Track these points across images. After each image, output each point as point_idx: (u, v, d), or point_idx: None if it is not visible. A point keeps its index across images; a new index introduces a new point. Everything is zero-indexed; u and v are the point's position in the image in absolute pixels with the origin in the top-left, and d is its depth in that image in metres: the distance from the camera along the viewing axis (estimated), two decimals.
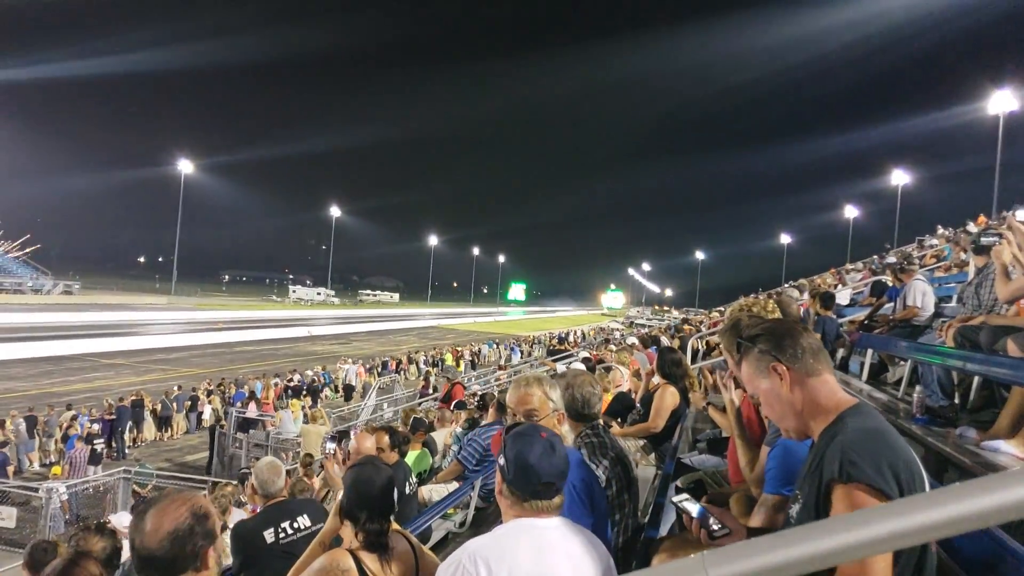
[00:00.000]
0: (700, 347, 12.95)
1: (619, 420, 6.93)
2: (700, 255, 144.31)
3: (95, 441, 18.14)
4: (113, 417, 21.12)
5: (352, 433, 7.23)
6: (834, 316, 8.14)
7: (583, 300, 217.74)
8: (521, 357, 42.70)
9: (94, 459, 18.08)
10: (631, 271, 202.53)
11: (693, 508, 2.35)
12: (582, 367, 9.56)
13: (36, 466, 19.19)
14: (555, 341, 43.82)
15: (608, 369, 9.87)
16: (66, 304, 73.30)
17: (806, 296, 9.00)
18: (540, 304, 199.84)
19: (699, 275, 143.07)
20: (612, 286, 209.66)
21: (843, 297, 11.69)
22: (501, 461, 2.41)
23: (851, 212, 75.59)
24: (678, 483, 4.25)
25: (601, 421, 3.84)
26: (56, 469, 16.96)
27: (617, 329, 47.01)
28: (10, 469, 17.55)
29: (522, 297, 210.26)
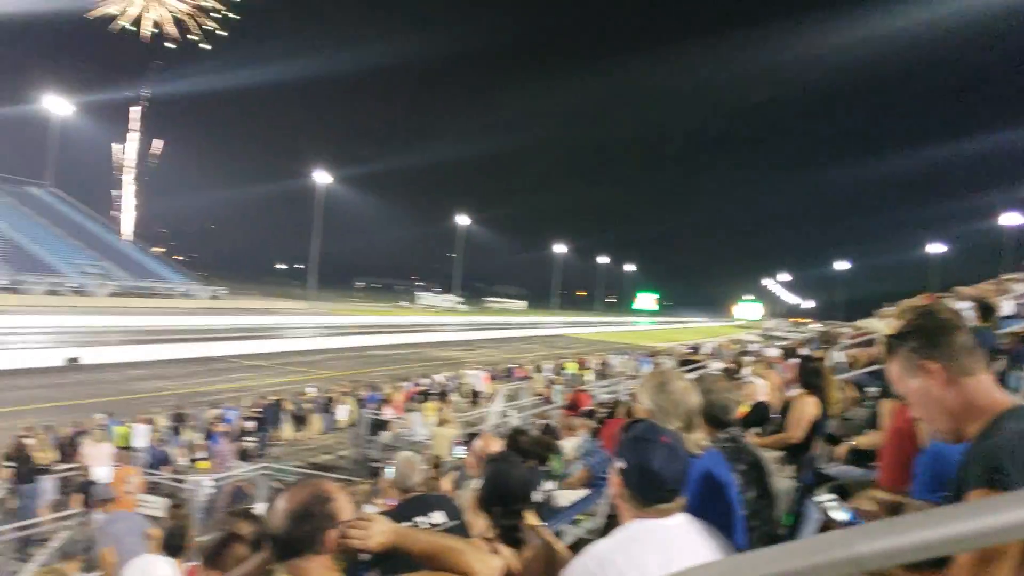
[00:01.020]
0: (843, 360, 12.47)
1: (756, 431, 6.76)
2: (841, 265, 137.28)
3: (243, 438, 19.03)
4: (260, 415, 22.07)
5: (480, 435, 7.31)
6: (993, 328, 7.67)
7: (716, 311, 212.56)
8: (651, 368, 42.16)
9: (241, 455, 18.98)
10: (767, 281, 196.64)
11: (841, 513, 2.26)
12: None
13: (184, 461, 20.28)
14: (687, 352, 43.03)
15: (744, 380, 9.65)
16: (213, 308, 77.31)
17: (965, 306, 8.47)
18: (670, 314, 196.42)
19: (840, 286, 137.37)
20: (747, 296, 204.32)
21: (1006, 308, 10.97)
22: (620, 465, 2.35)
23: (1011, 219, 71.11)
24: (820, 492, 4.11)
25: (738, 429, 3.76)
26: (202, 464, 17.89)
27: (753, 341, 45.70)
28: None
29: (651, 307, 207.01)
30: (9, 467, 14.69)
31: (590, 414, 13.07)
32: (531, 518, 3.05)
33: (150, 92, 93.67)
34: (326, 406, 26.08)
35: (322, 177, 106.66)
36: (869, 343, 10.15)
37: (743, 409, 7.33)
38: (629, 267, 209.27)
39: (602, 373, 40.84)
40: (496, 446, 5.31)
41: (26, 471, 14.43)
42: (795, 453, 5.90)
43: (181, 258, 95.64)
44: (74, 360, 32.90)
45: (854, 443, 5.71)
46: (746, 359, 17.72)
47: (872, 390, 6.93)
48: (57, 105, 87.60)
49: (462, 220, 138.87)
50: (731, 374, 12.06)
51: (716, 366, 15.94)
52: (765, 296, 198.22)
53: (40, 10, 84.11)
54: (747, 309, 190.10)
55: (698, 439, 3.12)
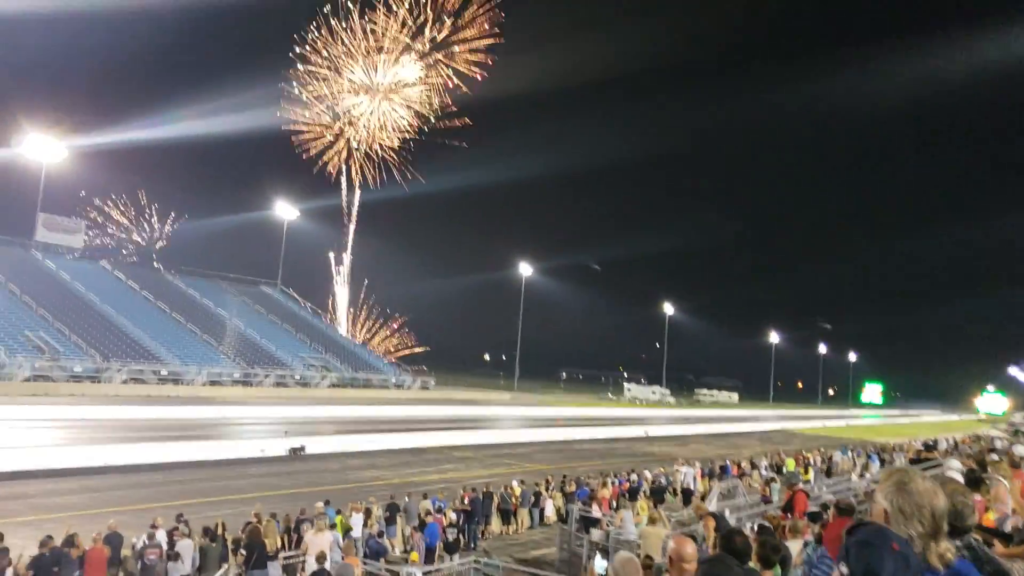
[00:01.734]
0: None
1: (1002, 540, 5.91)
2: None
3: (450, 530, 19.28)
4: (467, 508, 22.32)
5: (672, 537, 6.88)
6: None
7: (953, 403, 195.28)
8: (881, 466, 39.03)
9: (450, 548, 19.16)
10: (1014, 371, 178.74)
11: None
12: (957, 477, 8.44)
13: (397, 551, 20.65)
14: (920, 449, 39.52)
15: (988, 482, 8.60)
16: (423, 399, 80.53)
17: None
18: (900, 407, 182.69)
19: None
20: (990, 387, 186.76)
21: None
22: (844, 572, 2.14)
23: None
24: None
25: (978, 536, 3.32)
26: (414, 555, 18.18)
27: (999, 437, 41.46)
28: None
29: (878, 399, 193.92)
30: (242, 553, 15.59)
31: (814, 516, 12.12)
32: None
33: (363, 196, 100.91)
34: (534, 500, 25.96)
35: (526, 269, 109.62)
36: None
37: (988, 517, 6.48)
38: (852, 356, 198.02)
39: (825, 471, 38.28)
40: (689, 548, 4.98)
41: (257, 557, 15.21)
42: None
43: (393, 350, 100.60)
44: (298, 450, 34.93)
45: None
46: (991, 457, 15.95)
47: None
48: (285, 211, 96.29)
49: (668, 309, 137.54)
50: (973, 474, 10.82)
51: (954, 465, 14.42)
52: (1012, 387, 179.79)
53: (266, 128, 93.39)
54: (990, 401, 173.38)
55: (943, 550, 2.70)
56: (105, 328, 66.28)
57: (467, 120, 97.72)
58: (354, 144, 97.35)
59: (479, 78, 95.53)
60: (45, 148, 73.43)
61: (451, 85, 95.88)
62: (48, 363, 56.41)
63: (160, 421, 44.02)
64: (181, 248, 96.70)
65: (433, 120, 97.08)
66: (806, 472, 36.15)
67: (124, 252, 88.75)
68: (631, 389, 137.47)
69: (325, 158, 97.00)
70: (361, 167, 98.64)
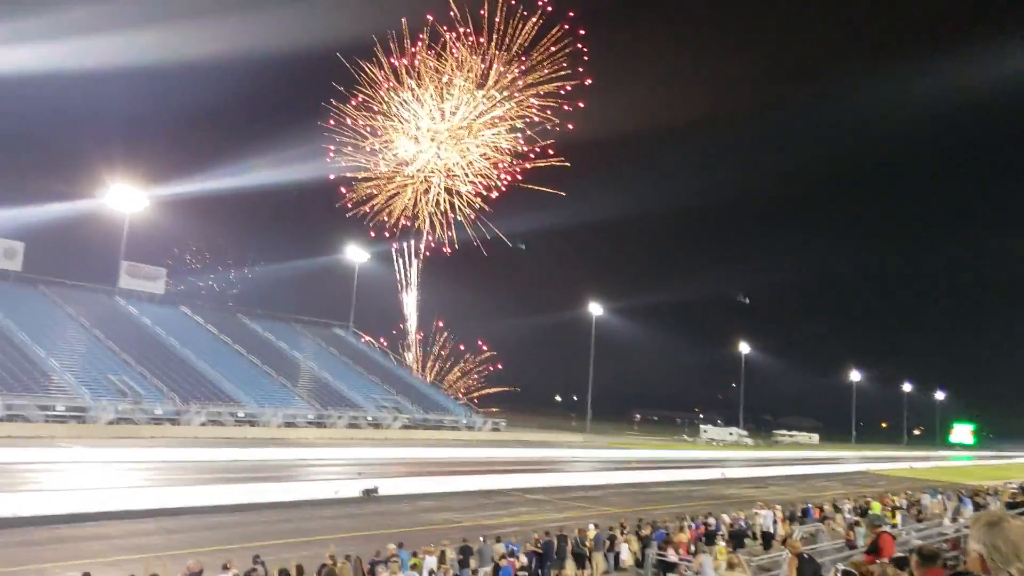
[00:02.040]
0: None
1: None
2: None
3: (522, 573, 18.88)
4: (540, 551, 21.91)
5: None
6: None
7: None
8: (975, 510, 37.20)
9: None
10: None
11: None
12: None
13: None
14: (1016, 491, 37.56)
15: None
16: (494, 440, 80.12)
17: None
18: (992, 448, 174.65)
19: None
20: None
21: None
22: None
23: None
24: None
25: None
26: None
27: None
28: None
29: (969, 440, 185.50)
30: None
31: (900, 562, 11.47)
32: None
33: (433, 238, 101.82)
34: (608, 544, 25.37)
35: (596, 308, 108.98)
36: None
37: None
38: (939, 395, 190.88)
39: (914, 515, 36.66)
40: None
41: None
42: None
43: (464, 391, 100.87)
44: (371, 491, 34.93)
45: None
46: None
47: None
48: (356, 254, 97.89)
49: (744, 348, 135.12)
50: None
51: None
52: None
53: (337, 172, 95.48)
54: None
55: None
56: (185, 371, 68.01)
57: (560, 160, 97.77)
58: (422, 188, 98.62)
59: (561, 118, 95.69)
60: (128, 198, 76.23)
61: (532, 122, 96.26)
62: (130, 406, 57.95)
63: (237, 462, 44.64)
64: (257, 291, 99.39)
65: (509, 161, 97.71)
66: (893, 516, 34.65)
67: (202, 297, 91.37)
68: (707, 431, 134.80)
69: (394, 204, 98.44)
70: (431, 213, 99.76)
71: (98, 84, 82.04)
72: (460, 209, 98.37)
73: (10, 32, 65.13)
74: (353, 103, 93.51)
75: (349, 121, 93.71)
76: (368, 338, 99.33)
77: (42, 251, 77.65)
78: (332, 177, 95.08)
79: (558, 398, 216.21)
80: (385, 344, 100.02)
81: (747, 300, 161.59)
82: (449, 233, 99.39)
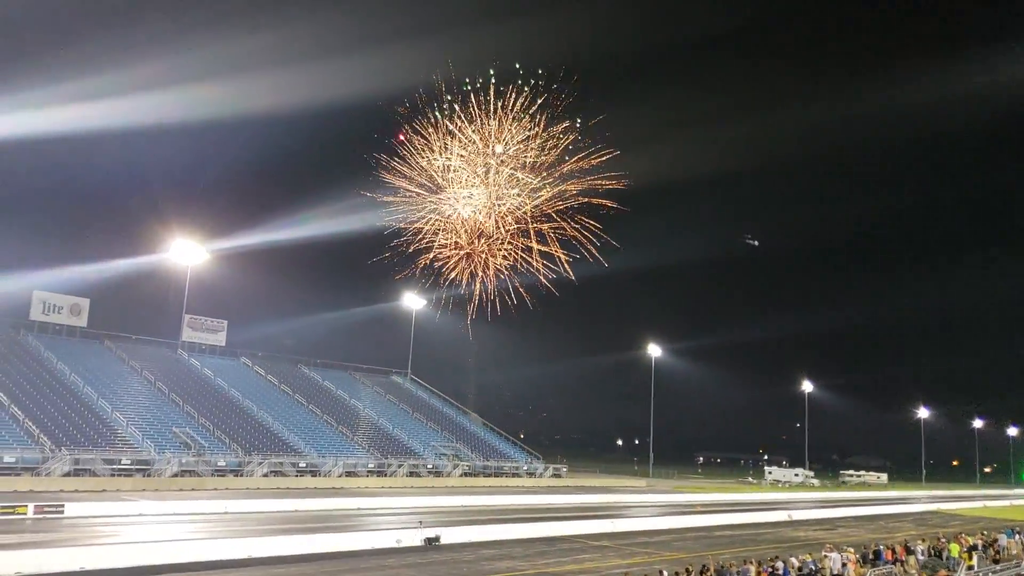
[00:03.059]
0: None
1: None
2: None
3: None
4: None
5: None
6: None
7: None
8: None
9: None
10: None
11: None
12: None
13: None
14: None
15: None
16: (555, 487, 79.33)
17: None
18: None
19: None
20: None
21: None
22: None
23: None
24: None
25: None
26: None
27: None
28: None
29: None
30: None
31: None
32: None
33: (483, 285, 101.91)
34: None
35: (655, 350, 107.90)
36: None
37: None
38: (1012, 431, 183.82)
39: (991, 555, 35.24)
40: None
41: None
42: None
43: (523, 436, 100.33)
44: (433, 540, 34.71)
45: None
46: None
47: None
48: (413, 301, 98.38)
49: (807, 387, 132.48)
50: None
51: None
52: None
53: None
54: None
55: None
56: (247, 423, 68.86)
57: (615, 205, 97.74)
58: (479, 245, 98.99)
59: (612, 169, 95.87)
60: (189, 252, 78.01)
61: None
62: (194, 458, 58.75)
63: (299, 513, 44.86)
64: (317, 340, 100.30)
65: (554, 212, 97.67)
66: (969, 557, 33.31)
67: (263, 347, 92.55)
68: (772, 472, 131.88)
69: (448, 257, 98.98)
70: (485, 262, 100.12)
71: (157, 141, 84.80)
72: (514, 253, 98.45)
73: (70, 92, 67.55)
74: (407, 158, 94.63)
75: (400, 174, 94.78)
76: (427, 385, 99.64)
77: (106, 307, 79.94)
78: (387, 230, 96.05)
79: (620, 442, 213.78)
80: (444, 391, 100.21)
81: (756, 243, 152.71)
82: (506, 277, 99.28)
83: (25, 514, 37.69)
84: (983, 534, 41.13)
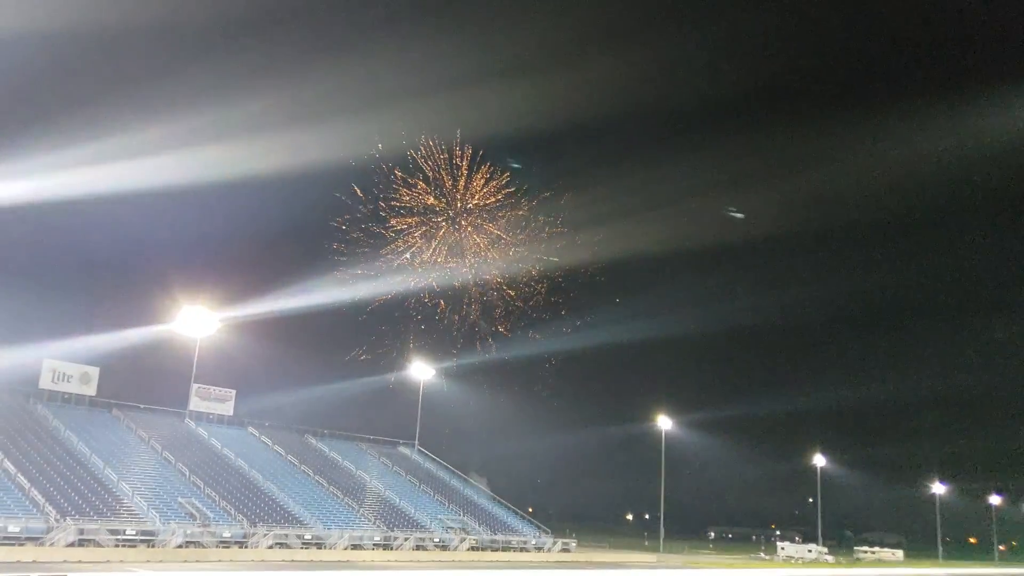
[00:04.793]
0: None
1: None
2: None
3: None
4: None
5: None
6: None
7: None
8: None
9: None
10: None
11: None
12: None
13: None
14: None
15: None
16: (565, 561, 77.91)
17: None
18: None
19: None
20: None
21: None
22: None
23: None
24: None
25: None
26: None
27: None
28: None
29: None
30: None
31: None
32: None
33: (496, 353, 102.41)
34: None
35: (665, 423, 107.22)
36: None
37: None
38: None
39: None
40: None
41: None
42: None
43: (531, 509, 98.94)
44: None
45: None
46: None
47: None
48: (421, 371, 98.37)
49: (819, 461, 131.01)
50: None
51: None
52: None
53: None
54: None
55: None
56: (252, 493, 68.16)
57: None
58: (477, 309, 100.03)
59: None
60: (198, 321, 78.23)
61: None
62: (199, 529, 58.00)
63: None
64: (324, 409, 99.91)
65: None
66: None
67: (270, 416, 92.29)
68: (784, 548, 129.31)
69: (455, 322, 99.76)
70: (485, 333, 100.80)
71: (166, 207, 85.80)
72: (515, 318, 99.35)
73: (73, 159, 68.42)
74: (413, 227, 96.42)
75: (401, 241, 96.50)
76: (434, 456, 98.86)
77: (116, 375, 79.74)
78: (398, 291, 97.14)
79: (629, 516, 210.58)
80: (451, 463, 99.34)
81: (741, 215, 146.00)
82: (510, 344, 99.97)
83: None
84: None
